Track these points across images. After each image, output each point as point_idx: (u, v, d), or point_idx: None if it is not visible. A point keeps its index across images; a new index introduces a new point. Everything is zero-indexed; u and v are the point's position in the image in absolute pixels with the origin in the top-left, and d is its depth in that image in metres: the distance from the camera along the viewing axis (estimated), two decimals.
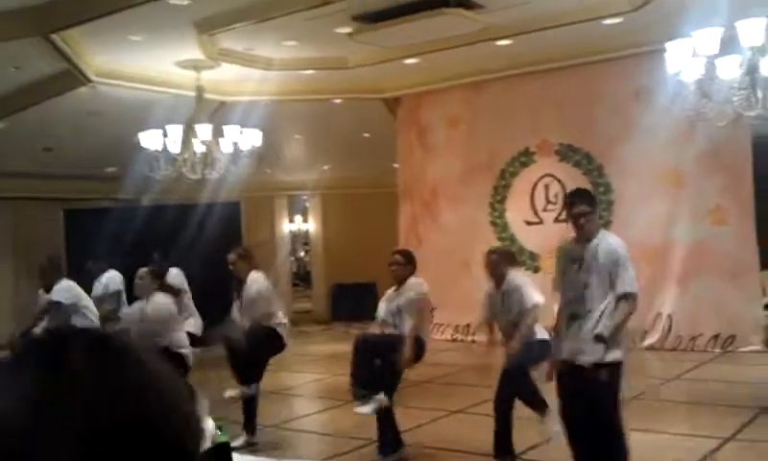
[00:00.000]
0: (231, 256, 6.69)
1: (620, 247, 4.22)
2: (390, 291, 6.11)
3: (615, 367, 4.10)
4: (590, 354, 4.07)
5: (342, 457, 5.99)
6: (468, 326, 12.62)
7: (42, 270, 7.77)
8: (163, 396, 0.73)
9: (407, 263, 6.05)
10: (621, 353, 4.17)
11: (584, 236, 4.21)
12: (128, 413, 0.69)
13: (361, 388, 5.73)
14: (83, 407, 0.68)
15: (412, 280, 6.01)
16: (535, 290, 5.69)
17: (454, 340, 12.56)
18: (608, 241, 4.24)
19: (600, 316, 4.09)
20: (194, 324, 8.20)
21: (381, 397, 5.51)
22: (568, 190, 11.59)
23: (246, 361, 6.32)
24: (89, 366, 0.71)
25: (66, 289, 7.49)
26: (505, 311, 5.70)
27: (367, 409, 5.55)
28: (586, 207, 4.15)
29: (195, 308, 8.62)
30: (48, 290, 7.51)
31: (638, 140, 10.85)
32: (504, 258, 5.98)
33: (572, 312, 4.23)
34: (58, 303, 7.31)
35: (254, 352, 6.29)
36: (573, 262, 4.24)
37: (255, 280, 6.60)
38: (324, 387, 9.53)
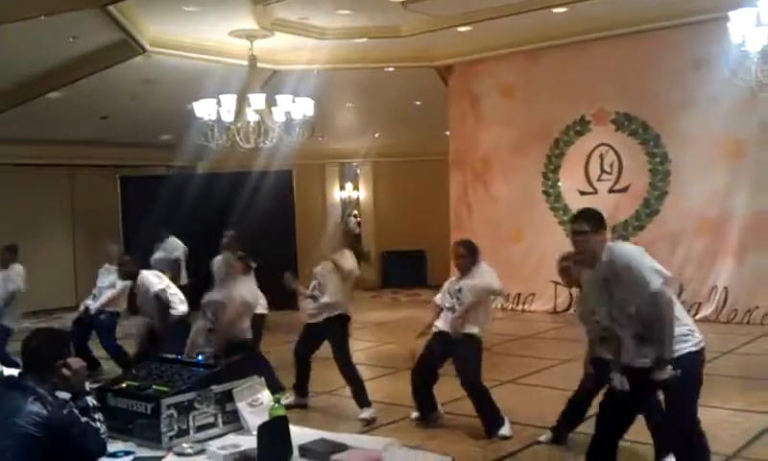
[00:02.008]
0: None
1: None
2: (452, 279, 6.10)
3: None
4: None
5: (391, 425, 6.06)
6: (518, 295, 12.58)
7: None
8: None
9: (470, 255, 6.00)
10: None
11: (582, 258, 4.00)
12: None
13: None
14: None
15: (485, 267, 5.98)
16: None
17: (504, 309, 12.51)
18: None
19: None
20: None
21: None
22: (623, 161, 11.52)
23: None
24: None
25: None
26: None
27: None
28: (585, 226, 3.94)
29: None
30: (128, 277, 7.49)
31: (697, 110, 10.61)
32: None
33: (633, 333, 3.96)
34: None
35: None
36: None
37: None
38: (373, 355, 9.62)
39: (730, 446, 5.28)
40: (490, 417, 5.75)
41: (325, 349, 6.70)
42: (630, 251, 3.95)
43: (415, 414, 6.18)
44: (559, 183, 12.33)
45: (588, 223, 3.92)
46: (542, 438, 5.54)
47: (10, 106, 11.58)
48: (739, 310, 10.42)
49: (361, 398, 6.43)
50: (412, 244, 16.75)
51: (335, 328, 6.54)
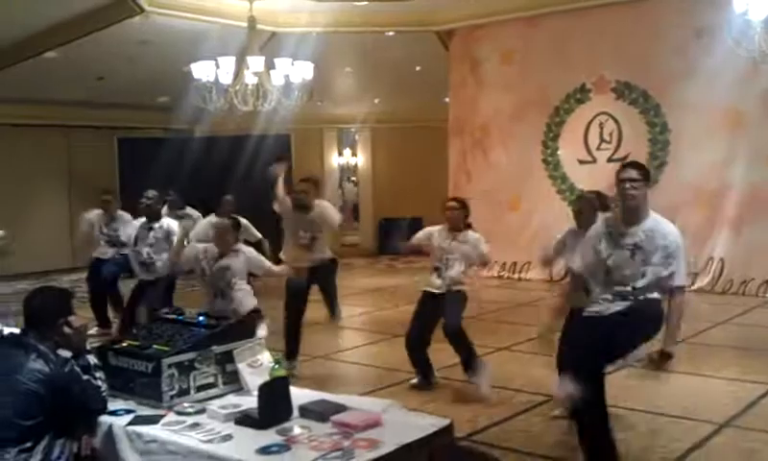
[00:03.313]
0: (303, 185, 6.75)
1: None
2: (442, 230, 6.12)
3: None
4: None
5: (388, 390, 6.10)
6: (514, 263, 12.61)
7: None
8: None
9: (461, 207, 6.12)
10: None
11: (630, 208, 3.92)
12: None
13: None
14: None
15: (471, 234, 6.09)
16: None
17: (500, 277, 12.55)
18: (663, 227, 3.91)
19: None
20: None
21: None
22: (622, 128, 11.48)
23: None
24: None
25: None
26: None
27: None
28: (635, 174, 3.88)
29: None
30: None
31: (698, 79, 10.55)
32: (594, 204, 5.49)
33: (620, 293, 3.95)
34: None
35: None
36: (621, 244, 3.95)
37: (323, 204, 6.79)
38: (370, 320, 9.66)
39: (722, 415, 5.33)
40: (469, 357, 5.93)
41: (319, 314, 6.76)
42: (679, 235, 3.95)
43: (414, 380, 6.22)
44: (558, 152, 12.31)
45: (641, 172, 3.92)
46: (557, 412, 5.50)
47: (5, 65, 11.49)
48: (735, 281, 10.46)
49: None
50: (410, 211, 16.73)
51: None
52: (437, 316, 6.00)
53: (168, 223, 7.61)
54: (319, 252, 6.65)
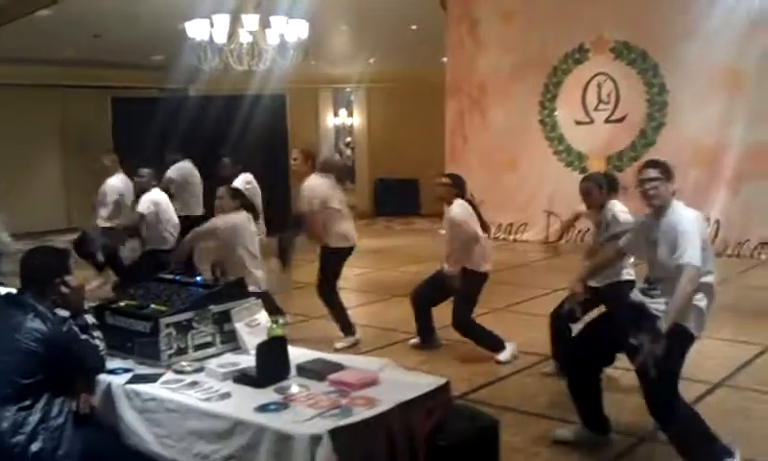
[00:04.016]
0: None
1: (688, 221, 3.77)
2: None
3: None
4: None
5: (385, 349, 6.14)
6: (510, 224, 12.63)
7: None
8: None
9: (453, 186, 5.95)
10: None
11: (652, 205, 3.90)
12: None
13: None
14: None
15: (453, 207, 5.89)
16: None
17: (496, 238, 12.56)
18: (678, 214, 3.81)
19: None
20: None
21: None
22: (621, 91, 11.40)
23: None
24: None
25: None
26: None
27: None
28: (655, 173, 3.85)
29: None
30: None
31: (697, 39, 10.49)
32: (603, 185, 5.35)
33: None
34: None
35: None
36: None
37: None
38: (367, 281, 9.68)
39: (715, 374, 5.38)
40: (486, 344, 5.87)
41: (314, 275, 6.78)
42: (690, 220, 3.80)
43: (413, 340, 6.24)
44: (555, 113, 12.26)
45: (659, 169, 3.85)
46: (548, 369, 5.55)
47: None
48: (731, 242, 10.50)
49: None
50: (406, 172, 16.71)
51: None
52: (446, 294, 5.91)
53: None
54: None
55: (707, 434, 3.73)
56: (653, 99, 11.25)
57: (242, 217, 5.67)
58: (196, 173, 9.68)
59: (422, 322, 6.16)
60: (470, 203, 5.98)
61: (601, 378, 4.24)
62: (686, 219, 3.77)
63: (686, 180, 10.79)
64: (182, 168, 9.51)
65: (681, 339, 3.74)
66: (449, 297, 5.91)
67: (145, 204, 7.38)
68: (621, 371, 5.26)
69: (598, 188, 5.25)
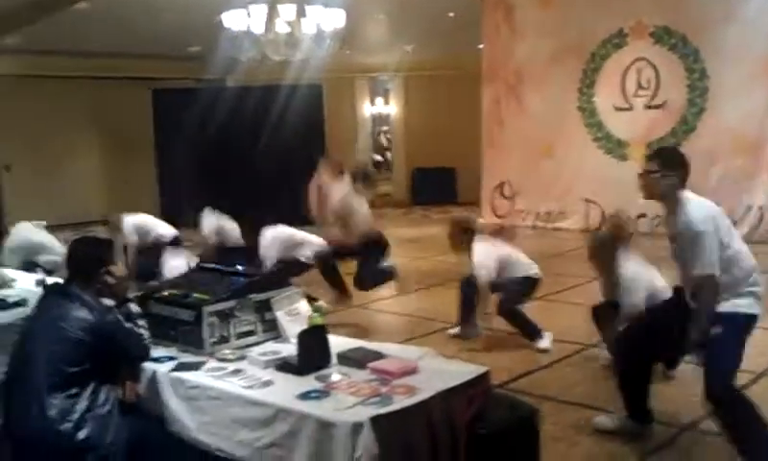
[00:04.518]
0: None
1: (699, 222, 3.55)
2: None
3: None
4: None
5: (425, 338, 6.15)
6: (548, 213, 12.53)
7: None
8: None
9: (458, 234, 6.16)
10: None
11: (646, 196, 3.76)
12: None
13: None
14: None
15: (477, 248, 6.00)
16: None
17: (534, 227, 12.50)
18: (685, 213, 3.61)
19: None
20: None
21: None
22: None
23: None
24: None
25: None
26: None
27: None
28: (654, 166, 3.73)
29: None
30: None
31: (739, 25, 10.28)
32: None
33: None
34: None
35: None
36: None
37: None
38: (405, 270, 9.64)
39: (760, 364, 5.29)
40: (525, 333, 5.91)
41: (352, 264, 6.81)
42: (698, 221, 3.57)
43: (453, 330, 6.23)
44: (594, 99, 12.11)
45: (659, 161, 3.68)
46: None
47: (38, 17, 11.52)
48: None
49: None
50: (442, 161, 16.65)
51: None
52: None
53: None
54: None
55: (761, 421, 3.65)
56: (693, 84, 11.06)
57: None
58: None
59: (466, 303, 6.12)
60: None
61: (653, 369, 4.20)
62: (698, 220, 3.54)
63: (729, 166, 10.64)
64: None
65: (734, 325, 3.64)
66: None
67: None
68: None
69: (611, 250, 5.20)
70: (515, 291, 5.89)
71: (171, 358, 3.40)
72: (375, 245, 6.70)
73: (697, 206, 3.61)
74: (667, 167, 3.66)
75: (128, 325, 3.33)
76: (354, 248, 6.65)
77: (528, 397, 4.30)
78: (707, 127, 10.88)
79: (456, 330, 6.21)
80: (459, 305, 6.13)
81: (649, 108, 11.50)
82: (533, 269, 6.01)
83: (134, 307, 3.44)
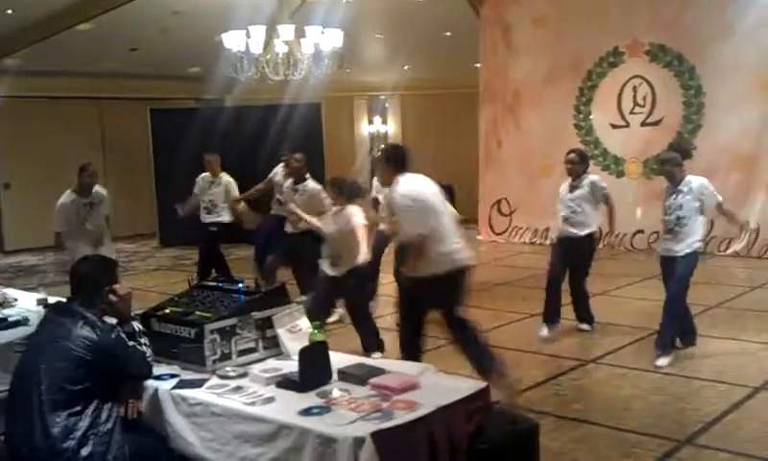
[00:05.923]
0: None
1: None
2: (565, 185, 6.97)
3: None
4: None
5: (423, 354, 6.15)
6: (546, 229, 12.56)
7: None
8: None
9: (581, 162, 6.94)
10: None
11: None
12: None
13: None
14: None
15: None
16: None
17: (532, 243, 12.54)
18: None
19: None
20: None
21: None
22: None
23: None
24: None
25: None
26: None
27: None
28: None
29: None
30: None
31: (735, 41, 10.37)
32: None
33: None
34: None
35: None
36: None
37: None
38: None
39: (757, 379, 5.32)
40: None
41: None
42: None
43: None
44: (590, 117, 12.19)
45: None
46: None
47: (40, 38, 11.62)
48: None
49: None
50: (440, 178, 16.62)
51: None
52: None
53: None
54: None
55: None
56: (689, 101, 11.14)
57: None
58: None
59: None
60: None
61: None
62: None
63: (726, 183, 10.67)
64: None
65: None
66: None
67: None
68: (660, 374, 5.24)
69: (680, 167, 5.92)
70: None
71: (173, 376, 3.43)
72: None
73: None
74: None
75: (130, 343, 3.35)
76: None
77: (529, 413, 4.32)
78: (703, 143, 10.91)
79: None
80: None
81: (645, 125, 11.58)
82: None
83: (137, 325, 3.47)
